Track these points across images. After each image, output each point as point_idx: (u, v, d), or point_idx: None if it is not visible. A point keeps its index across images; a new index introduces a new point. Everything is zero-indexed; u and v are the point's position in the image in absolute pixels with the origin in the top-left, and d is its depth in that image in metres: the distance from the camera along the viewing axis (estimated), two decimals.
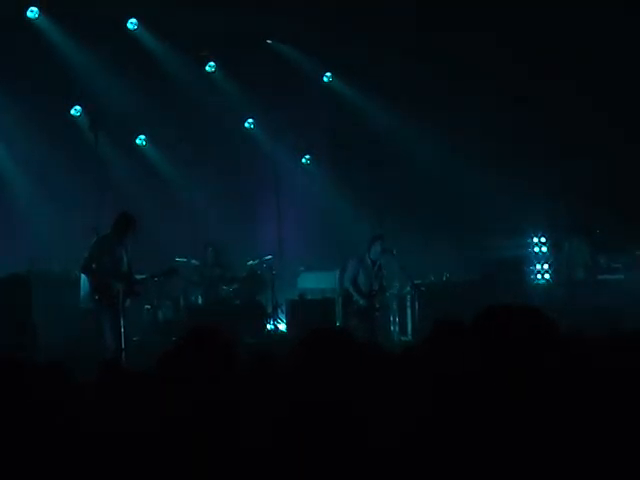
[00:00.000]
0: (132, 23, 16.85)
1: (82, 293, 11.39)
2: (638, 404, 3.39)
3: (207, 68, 17.85)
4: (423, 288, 14.55)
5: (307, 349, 3.31)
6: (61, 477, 3.48)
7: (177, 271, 12.58)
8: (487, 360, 3.29)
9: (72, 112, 16.71)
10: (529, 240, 18.05)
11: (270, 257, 16.32)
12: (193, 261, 15.80)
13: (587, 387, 3.44)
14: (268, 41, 17.97)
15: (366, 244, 13.17)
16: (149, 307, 15.01)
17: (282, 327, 15.72)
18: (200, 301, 15.56)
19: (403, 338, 15.19)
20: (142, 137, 17.56)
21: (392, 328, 15.47)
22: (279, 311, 15.87)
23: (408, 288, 14.88)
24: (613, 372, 3.65)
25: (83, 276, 11.40)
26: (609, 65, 16.53)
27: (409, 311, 15.26)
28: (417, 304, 14.93)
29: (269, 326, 15.71)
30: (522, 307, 3.47)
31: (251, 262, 16.01)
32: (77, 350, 11.23)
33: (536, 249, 18.02)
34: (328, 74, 18.69)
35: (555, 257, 17.69)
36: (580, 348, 3.88)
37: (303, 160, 19.08)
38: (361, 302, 12.87)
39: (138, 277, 11.72)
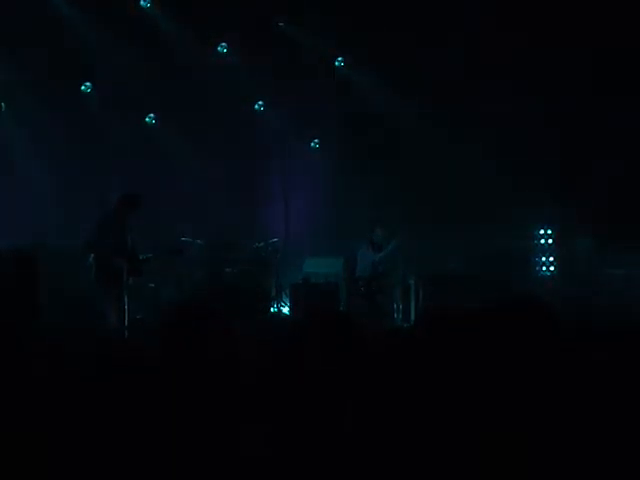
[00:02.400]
0: (145, 0, 16.81)
1: None
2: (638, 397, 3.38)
3: (219, 49, 17.80)
4: (411, 281, 14.58)
5: (308, 329, 3.30)
6: (56, 447, 3.48)
7: (182, 251, 12.55)
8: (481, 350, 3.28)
9: (82, 88, 16.68)
10: (534, 232, 18.02)
11: (276, 240, 16.32)
12: (198, 241, 15.81)
13: (587, 379, 3.43)
14: (280, 24, 17.92)
15: (369, 229, 13.18)
16: (152, 286, 15.03)
17: (285, 310, 15.74)
18: (204, 282, 15.57)
19: (406, 325, 15.20)
20: (151, 115, 17.52)
21: (395, 315, 15.49)
22: (283, 294, 15.89)
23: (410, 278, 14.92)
24: (614, 366, 3.64)
25: None
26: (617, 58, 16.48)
27: (412, 299, 15.26)
28: (421, 292, 14.92)
29: (272, 309, 15.73)
30: (530, 300, 3.44)
31: (257, 244, 16.00)
32: (79, 327, 11.23)
33: (542, 241, 18.00)
34: (340, 58, 18.64)
35: (559, 250, 17.67)
36: (582, 341, 3.88)
37: (312, 144, 19.04)
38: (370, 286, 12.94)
39: (142, 256, 11.71)
